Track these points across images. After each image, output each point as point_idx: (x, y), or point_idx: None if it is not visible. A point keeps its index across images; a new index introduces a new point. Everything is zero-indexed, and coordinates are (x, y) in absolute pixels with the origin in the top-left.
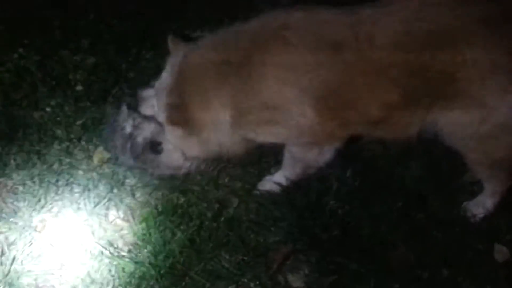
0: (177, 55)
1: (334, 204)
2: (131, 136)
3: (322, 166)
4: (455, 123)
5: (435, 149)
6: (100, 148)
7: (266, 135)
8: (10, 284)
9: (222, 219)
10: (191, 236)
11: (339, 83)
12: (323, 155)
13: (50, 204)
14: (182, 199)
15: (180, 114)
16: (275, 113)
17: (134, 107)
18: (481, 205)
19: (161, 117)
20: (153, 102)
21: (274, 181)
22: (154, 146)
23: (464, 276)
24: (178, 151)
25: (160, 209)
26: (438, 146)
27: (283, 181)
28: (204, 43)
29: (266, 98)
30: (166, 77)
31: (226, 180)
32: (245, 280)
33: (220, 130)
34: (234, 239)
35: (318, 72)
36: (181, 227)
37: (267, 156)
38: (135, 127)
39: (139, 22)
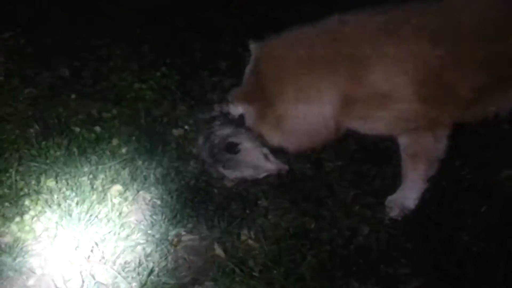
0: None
1: (469, 240)
2: (209, 137)
3: (441, 158)
4: None
5: None
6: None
7: (374, 122)
8: None
9: (352, 246)
10: (322, 261)
11: (437, 69)
12: (438, 142)
13: (186, 219)
14: (313, 224)
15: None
16: (384, 99)
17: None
18: None
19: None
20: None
21: (400, 202)
22: (231, 146)
23: None
24: (256, 150)
25: (291, 232)
26: None
27: (409, 198)
28: (285, 40)
29: (376, 85)
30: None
31: (357, 208)
32: None
33: (314, 118)
34: (364, 268)
35: (421, 59)
36: (312, 252)
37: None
38: (215, 129)
39: None
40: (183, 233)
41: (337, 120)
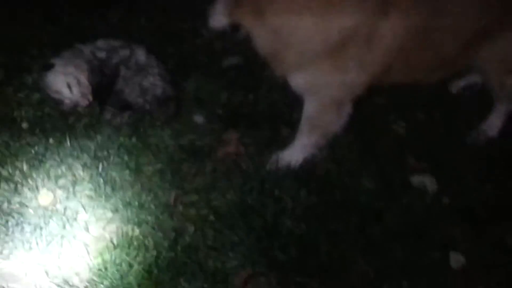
0: None
1: (291, 224)
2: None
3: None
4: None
5: (386, 164)
6: (44, 190)
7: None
8: None
9: (179, 247)
10: (149, 267)
11: None
12: (341, 119)
13: (1, 246)
14: (137, 231)
15: None
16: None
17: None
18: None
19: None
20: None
21: (285, 159)
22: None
23: (423, 286)
24: (62, 77)
25: (115, 243)
26: (390, 160)
27: (294, 158)
28: None
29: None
30: None
31: (181, 208)
32: None
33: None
34: (192, 267)
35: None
36: (138, 259)
37: (220, 181)
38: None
39: None
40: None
41: None
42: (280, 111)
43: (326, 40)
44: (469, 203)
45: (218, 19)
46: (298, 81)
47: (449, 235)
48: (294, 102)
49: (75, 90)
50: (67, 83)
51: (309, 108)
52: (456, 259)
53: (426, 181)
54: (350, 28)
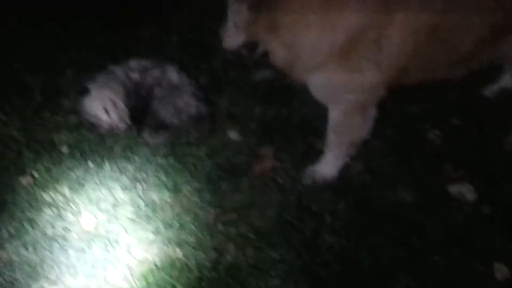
0: None
1: (330, 240)
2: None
3: (365, 137)
4: None
5: (423, 174)
6: (87, 213)
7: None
8: None
9: (221, 267)
10: None
11: None
12: (366, 123)
13: (47, 271)
14: (179, 252)
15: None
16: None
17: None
18: None
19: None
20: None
21: (320, 172)
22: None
23: None
24: (98, 101)
25: (158, 265)
26: (426, 169)
27: (328, 170)
28: None
29: None
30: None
31: (221, 227)
32: None
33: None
34: (235, 287)
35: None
36: (181, 280)
37: (258, 197)
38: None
39: None
40: (47, 286)
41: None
42: (313, 125)
43: (333, 43)
44: (509, 212)
45: (231, 40)
46: (315, 87)
47: (492, 245)
48: (326, 115)
49: (113, 113)
50: (104, 107)
51: (333, 115)
52: (501, 270)
53: (464, 190)
54: (354, 30)
